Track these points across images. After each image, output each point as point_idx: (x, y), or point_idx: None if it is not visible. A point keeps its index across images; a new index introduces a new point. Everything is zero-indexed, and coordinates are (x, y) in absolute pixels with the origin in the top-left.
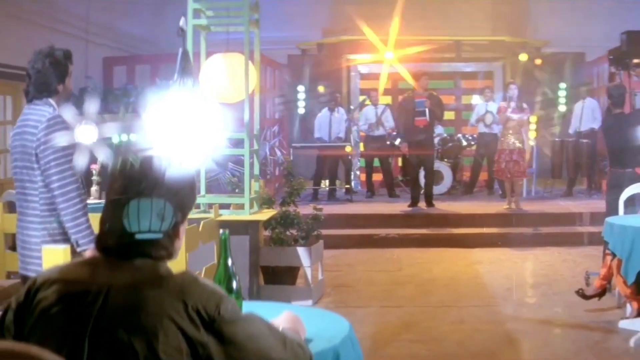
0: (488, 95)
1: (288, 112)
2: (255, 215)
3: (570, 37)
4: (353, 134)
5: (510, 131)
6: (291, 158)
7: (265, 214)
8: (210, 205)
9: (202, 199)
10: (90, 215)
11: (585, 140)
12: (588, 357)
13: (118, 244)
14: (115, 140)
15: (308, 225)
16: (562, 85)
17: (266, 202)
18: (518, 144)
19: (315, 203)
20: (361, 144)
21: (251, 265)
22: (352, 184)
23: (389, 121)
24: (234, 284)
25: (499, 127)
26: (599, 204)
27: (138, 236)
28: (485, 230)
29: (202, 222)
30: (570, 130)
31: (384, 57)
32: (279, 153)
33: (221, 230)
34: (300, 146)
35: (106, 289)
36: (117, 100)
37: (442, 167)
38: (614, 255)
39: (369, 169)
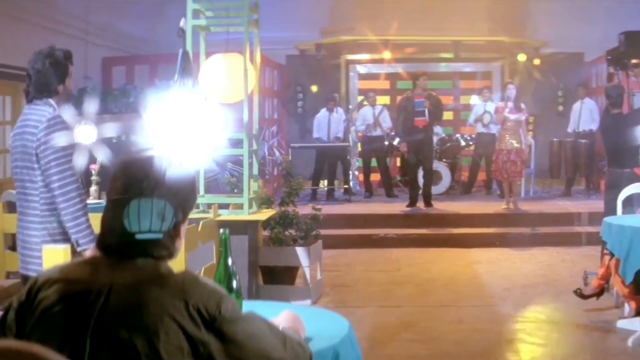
0: (486, 95)
1: (287, 113)
2: (254, 215)
3: (568, 37)
4: (351, 134)
5: (508, 131)
6: (290, 158)
7: (264, 214)
8: (209, 205)
9: (201, 199)
10: (89, 215)
11: (583, 141)
12: (586, 356)
13: (119, 244)
14: (115, 140)
15: (307, 225)
16: (560, 85)
17: (265, 202)
18: (515, 144)
19: (314, 203)
20: (359, 144)
21: (250, 265)
22: (351, 184)
23: (386, 121)
24: (234, 284)
25: (497, 127)
26: (597, 204)
27: (139, 236)
28: (483, 230)
29: (201, 222)
30: (569, 130)
31: (383, 58)
32: (277, 153)
33: (221, 230)
34: (299, 146)
35: (107, 288)
36: (116, 100)
37: (441, 167)
38: (612, 255)
39: (366, 169)
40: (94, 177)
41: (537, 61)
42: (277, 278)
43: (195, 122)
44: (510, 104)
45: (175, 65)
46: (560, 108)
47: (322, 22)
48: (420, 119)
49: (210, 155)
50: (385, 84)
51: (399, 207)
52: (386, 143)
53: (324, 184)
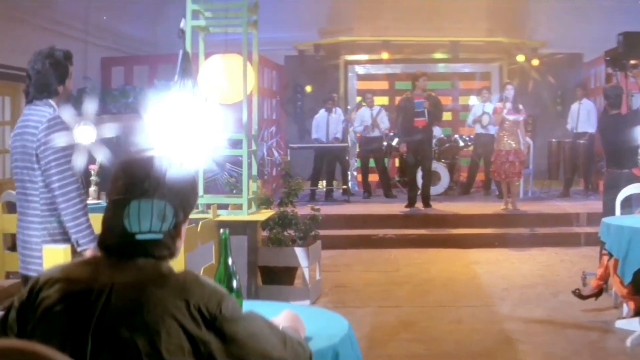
0: (485, 96)
1: (285, 113)
2: (253, 216)
3: (567, 38)
4: (350, 135)
5: (506, 132)
6: (288, 158)
7: (263, 215)
8: (208, 206)
9: (201, 199)
10: (89, 215)
11: (582, 141)
12: (585, 356)
13: (120, 244)
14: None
15: (306, 225)
16: (559, 86)
17: (264, 203)
18: (514, 145)
19: (313, 203)
20: (357, 145)
21: (249, 265)
22: (350, 184)
23: (384, 122)
24: (235, 283)
25: (495, 128)
26: (595, 205)
27: (140, 236)
28: (482, 230)
29: (200, 223)
30: (568, 127)
31: (381, 58)
32: (276, 154)
33: (221, 230)
34: (298, 147)
35: (109, 287)
36: (115, 100)
37: (439, 167)
38: (610, 255)
39: (364, 170)
40: (93, 178)
41: (535, 62)
42: (276, 278)
43: (195, 123)
44: (508, 105)
45: (174, 65)
46: (559, 109)
47: (321, 23)
48: (420, 120)
49: (210, 155)
50: (384, 85)
51: (397, 207)
52: (385, 144)
53: (322, 184)
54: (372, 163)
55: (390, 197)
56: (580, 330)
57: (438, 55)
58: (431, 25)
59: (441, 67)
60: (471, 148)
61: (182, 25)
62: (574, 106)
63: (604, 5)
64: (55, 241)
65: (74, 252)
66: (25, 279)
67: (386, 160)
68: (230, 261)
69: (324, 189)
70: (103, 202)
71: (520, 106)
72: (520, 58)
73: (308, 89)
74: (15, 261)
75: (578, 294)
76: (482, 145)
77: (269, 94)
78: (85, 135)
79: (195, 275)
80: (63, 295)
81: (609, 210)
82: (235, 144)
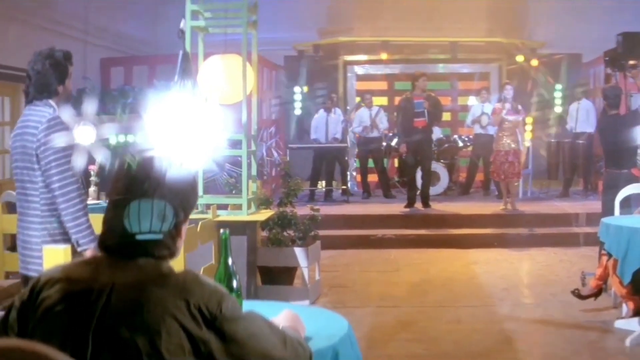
0: (484, 96)
1: (285, 113)
2: (252, 216)
3: (566, 38)
4: (349, 135)
5: (505, 132)
6: (288, 159)
7: (263, 215)
8: (208, 206)
9: (200, 199)
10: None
11: (581, 141)
12: (584, 356)
13: (120, 244)
14: (113, 141)
15: (305, 225)
16: (558, 86)
17: (263, 203)
18: (513, 145)
19: (312, 204)
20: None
21: (249, 265)
22: (349, 184)
23: (383, 122)
24: (234, 283)
25: (494, 128)
26: (595, 205)
27: (140, 236)
28: (481, 230)
29: (200, 223)
30: (567, 127)
31: (380, 58)
32: (275, 154)
33: (222, 230)
34: (297, 147)
35: (109, 287)
36: (115, 101)
37: (439, 167)
38: (609, 255)
39: (363, 170)
40: (92, 178)
41: (534, 62)
42: (275, 278)
43: (195, 123)
44: (507, 105)
45: (173, 66)
46: (558, 109)
47: (320, 23)
48: (420, 120)
49: (209, 155)
50: (383, 85)
51: (396, 207)
52: (384, 144)
53: (322, 184)
54: (371, 163)
55: (390, 197)
56: (579, 330)
57: (437, 56)
58: (430, 26)
59: (440, 68)
60: (470, 148)
61: (181, 25)
62: (573, 106)
63: (603, 5)
64: (55, 241)
65: (74, 252)
66: (26, 279)
67: (385, 160)
68: (230, 261)
69: (323, 189)
70: (103, 203)
71: (520, 106)
72: (520, 58)
73: (305, 89)
74: (15, 261)
75: (577, 294)
76: (481, 145)
77: (269, 95)
78: (84, 135)
79: (196, 275)
80: (64, 295)
81: (608, 211)
82: (235, 144)
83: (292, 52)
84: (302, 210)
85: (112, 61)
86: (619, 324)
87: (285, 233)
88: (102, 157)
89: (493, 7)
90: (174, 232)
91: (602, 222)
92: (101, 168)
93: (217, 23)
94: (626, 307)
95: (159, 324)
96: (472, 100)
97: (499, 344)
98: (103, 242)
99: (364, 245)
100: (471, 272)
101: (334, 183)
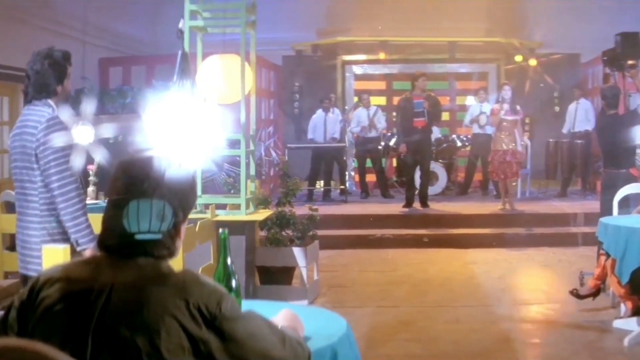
0: (482, 96)
1: (283, 113)
2: (251, 216)
3: (564, 38)
4: (348, 135)
5: (504, 132)
6: (286, 159)
7: (261, 215)
8: (206, 206)
9: (199, 199)
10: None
11: (579, 141)
12: (583, 356)
13: (120, 243)
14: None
15: (304, 225)
16: (557, 86)
17: (262, 203)
18: (511, 145)
19: (311, 203)
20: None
21: (247, 265)
22: (347, 184)
23: (381, 122)
24: (234, 283)
25: (492, 128)
26: (593, 205)
27: (139, 236)
28: (480, 230)
29: (198, 223)
30: (563, 131)
31: (379, 58)
32: (274, 154)
33: (220, 230)
34: (295, 147)
35: (109, 287)
36: (113, 101)
37: (437, 167)
38: (608, 255)
39: (361, 170)
40: (91, 178)
41: (533, 62)
42: (274, 278)
43: (194, 123)
44: (505, 106)
45: (172, 65)
46: (557, 109)
47: (319, 23)
48: (419, 120)
49: (208, 155)
50: (381, 85)
51: (395, 207)
52: (382, 144)
53: (320, 184)
54: (369, 163)
55: (388, 197)
56: (577, 330)
57: (435, 56)
58: (428, 26)
59: (438, 67)
60: (468, 148)
61: (180, 25)
62: (572, 106)
63: (602, 5)
64: (54, 241)
65: (74, 251)
66: (25, 278)
67: (383, 160)
68: (229, 261)
69: (322, 189)
70: (101, 202)
71: (518, 106)
72: (518, 58)
73: (303, 89)
74: (15, 261)
75: (576, 294)
76: (480, 145)
77: (267, 94)
78: (83, 135)
79: (195, 275)
80: (63, 294)
81: (606, 210)
82: (233, 144)
83: (290, 52)
84: (301, 210)
85: (111, 61)
86: (618, 323)
87: (283, 233)
88: (100, 156)
89: (491, 7)
90: (173, 232)
91: (601, 222)
92: (100, 168)
93: (216, 23)
94: (624, 307)
95: (158, 324)
96: (470, 100)
97: (498, 343)
98: (102, 241)
99: (362, 245)
100: (470, 272)
101: (332, 183)
